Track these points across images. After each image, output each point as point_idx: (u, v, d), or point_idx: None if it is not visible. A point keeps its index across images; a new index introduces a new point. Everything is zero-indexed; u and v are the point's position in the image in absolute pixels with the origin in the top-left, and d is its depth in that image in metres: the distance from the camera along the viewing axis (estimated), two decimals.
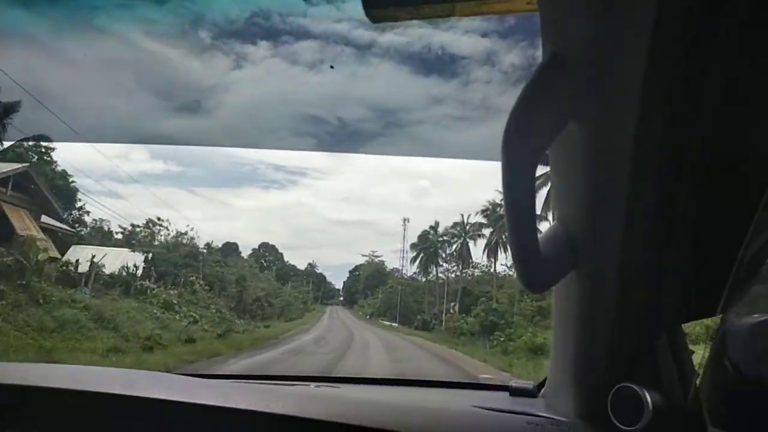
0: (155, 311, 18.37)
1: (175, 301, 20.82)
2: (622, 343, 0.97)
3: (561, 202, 0.97)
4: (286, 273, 49.55)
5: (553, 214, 1.00)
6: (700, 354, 0.94)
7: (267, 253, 49.67)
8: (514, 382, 1.50)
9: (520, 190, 0.83)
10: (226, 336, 18.40)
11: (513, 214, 0.84)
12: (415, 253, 40.58)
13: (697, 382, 0.93)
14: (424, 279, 39.68)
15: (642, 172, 0.81)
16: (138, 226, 28.26)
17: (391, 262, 53.04)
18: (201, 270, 27.25)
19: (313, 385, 1.61)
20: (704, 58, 0.74)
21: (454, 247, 37.25)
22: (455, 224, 36.65)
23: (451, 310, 25.35)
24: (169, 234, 29.30)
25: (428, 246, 38.80)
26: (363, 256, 54.37)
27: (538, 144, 0.84)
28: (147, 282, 21.90)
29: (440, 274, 38.11)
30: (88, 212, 25.60)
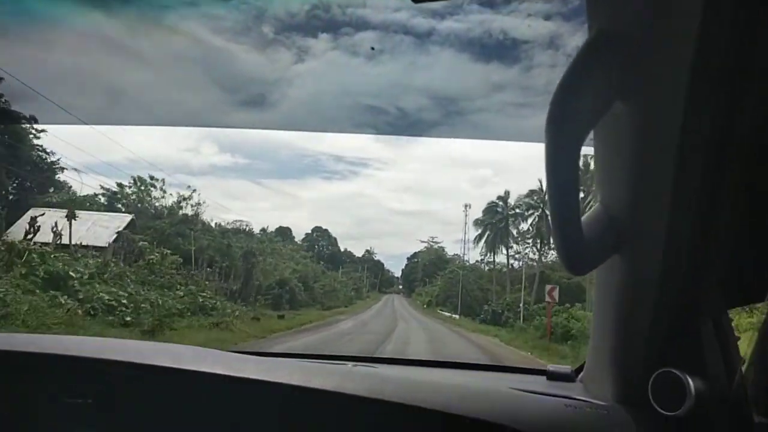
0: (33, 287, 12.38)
1: (82, 275, 14.03)
2: (664, 327, 0.96)
3: (604, 183, 0.96)
4: (339, 258, 48.64)
5: (595, 196, 0.99)
6: (747, 341, 0.91)
7: (320, 237, 48.69)
8: (552, 366, 1.49)
9: (564, 170, 0.82)
10: (160, 332, 13.00)
11: (556, 195, 0.83)
12: (479, 231, 35.50)
13: (743, 370, 0.90)
14: (490, 262, 35.10)
15: (689, 154, 0.79)
16: (125, 186, 23.54)
17: (452, 250, 50.98)
18: (194, 242, 21.53)
19: (350, 364, 1.64)
20: (757, 42, 0.72)
21: (529, 221, 31.90)
22: (531, 192, 31.36)
23: (548, 298, 18.76)
24: (163, 197, 24.39)
25: (497, 221, 33.58)
26: (422, 242, 52.47)
27: (583, 123, 0.83)
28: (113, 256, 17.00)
29: (511, 258, 33.60)
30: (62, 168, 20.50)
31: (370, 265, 57.17)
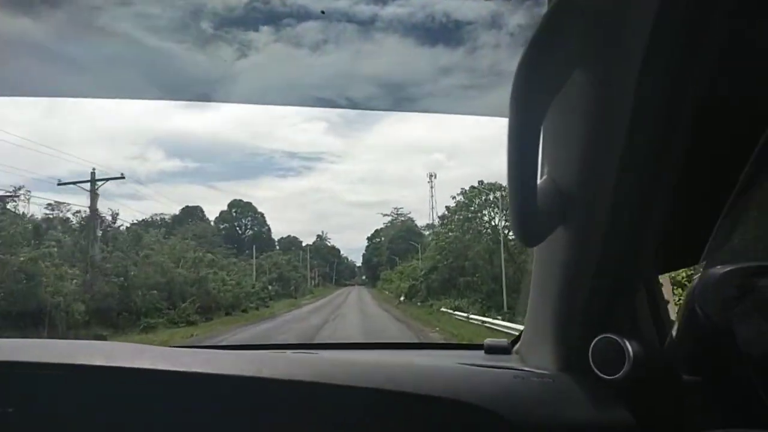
0: None
1: None
2: (603, 295, 1.01)
3: (553, 154, 0.99)
4: (264, 241, 39.89)
5: (542, 167, 1.01)
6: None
7: (240, 214, 41.59)
8: (489, 340, 1.51)
9: (527, 142, 0.83)
10: None
11: (517, 167, 0.84)
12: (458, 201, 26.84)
13: (673, 332, 0.96)
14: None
15: (636, 124, 0.82)
16: None
17: (422, 221, 43.61)
18: None
19: (289, 352, 1.58)
20: (712, 12, 0.75)
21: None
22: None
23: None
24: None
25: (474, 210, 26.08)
26: (384, 215, 43.85)
27: (545, 93, 0.83)
28: None
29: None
30: None
31: (324, 252, 49.04)
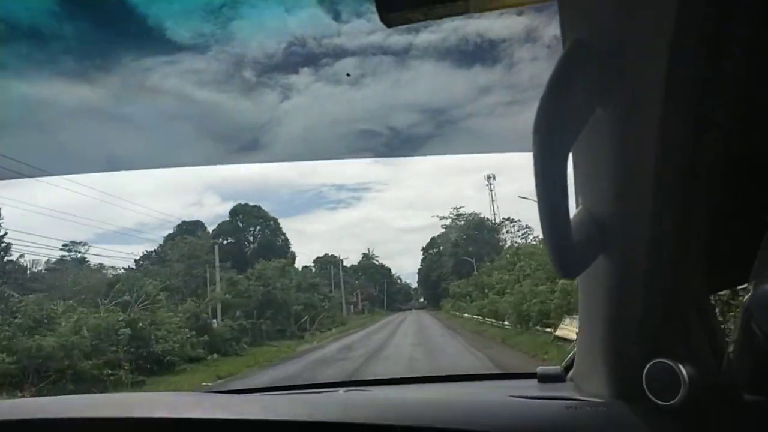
0: None
1: None
2: (652, 319, 1.00)
3: (586, 187, 1.00)
4: (276, 247, 31.70)
5: (576, 200, 1.02)
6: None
7: (243, 221, 33.11)
8: (541, 368, 1.50)
9: (554, 178, 0.84)
10: None
11: (547, 203, 0.85)
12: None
13: (730, 352, 0.94)
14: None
15: (668, 153, 0.83)
16: None
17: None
18: None
19: (342, 390, 1.60)
20: (729, 47, 0.77)
21: None
22: None
23: None
24: None
25: None
26: (440, 218, 34.65)
27: (569, 132, 0.86)
28: None
29: None
30: None
31: (371, 272, 41.47)
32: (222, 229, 33.21)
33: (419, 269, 41.78)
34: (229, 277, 23.87)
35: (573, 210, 1.00)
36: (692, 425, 0.96)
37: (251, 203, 34.93)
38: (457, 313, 27.74)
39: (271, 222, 35.46)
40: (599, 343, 1.11)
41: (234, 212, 34.58)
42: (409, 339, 19.36)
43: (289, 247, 35.06)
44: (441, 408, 1.15)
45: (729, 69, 0.78)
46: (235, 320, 20.92)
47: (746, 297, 0.89)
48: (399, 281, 47.06)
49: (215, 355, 18.32)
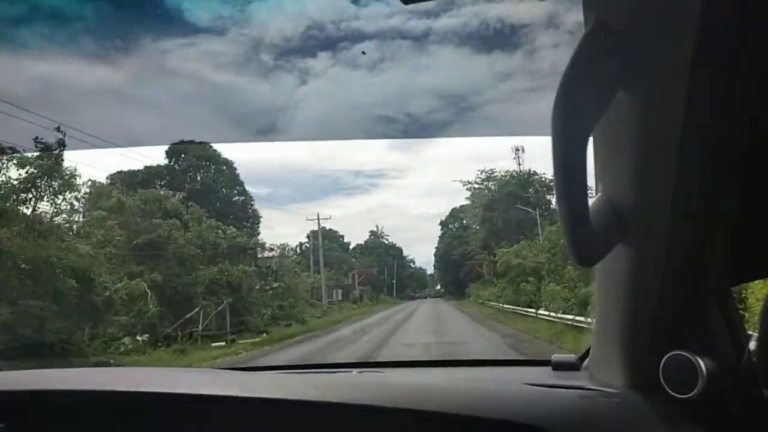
0: None
1: None
2: (671, 310, 0.98)
3: (607, 173, 0.98)
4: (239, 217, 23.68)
5: (596, 186, 1.00)
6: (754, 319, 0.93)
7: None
8: (556, 356, 1.50)
9: (573, 163, 0.82)
10: None
11: (565, 188, 0.84)
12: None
13: (751, 346, 0.92)
14: None
15: (691, 140, 0.81)
16: None
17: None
18: None
19: (355, 371, 1.62)
20: (757, 31, 0.74)
21: None
22: None
23: None
24: None
25: None
26: (463, 183, 27.74)
27: (588, 116, 0.84)
28: None
29: None
30: None
31: (380, 252, 34.88)
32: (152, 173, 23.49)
33: (436, 248, 34.51)
34: None
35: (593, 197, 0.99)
36: (709, 419, 0.95)
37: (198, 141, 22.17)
38: (491, 302, 20.51)
39: (224, 167, 25.32)
40: (616, 333, 1.10)
41: (171, 153, 24.13)
42: (425, 345, 13.62)
43: (251, 207, 26.23)
44: (454, 393, 1.15)
45: (755, 54, 0.75)
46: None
47: None
48: (413, 265, 42.00)
49: None
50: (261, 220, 26.40)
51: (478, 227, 27.63)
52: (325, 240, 29.49)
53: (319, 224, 28.11)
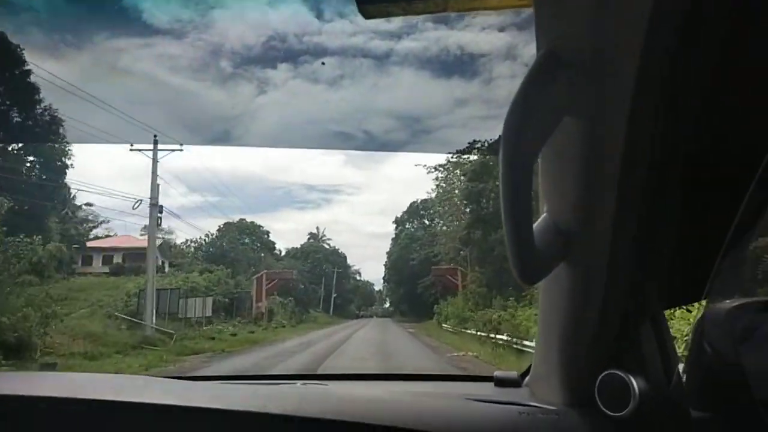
0: None
1: None
2: (607, 330, 1.01)
3: (551, 194, 1.01)
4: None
5: (540, 206, 1.03)
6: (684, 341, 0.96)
7: None
8: (498, 372, 1.51)
9: (519, 184, 0.85)
10: None
11: (511, 207, 0.85)
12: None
13: (680, 368, 0.96)
14: None
15: (632, 166, 0.84)
16: None
17: None
18: None
19: (299, 383, 1.60)
20: (697, 57, 0.78)
21: None
22: None
23: None
24: None
25: None
26: (428, 169, 24.01)
27: (536, 139, 0.86)
28: None
29: None
30: None
31: (318, 259, 29.02)
32: None
33: (387, 253, 28.74)
34: None
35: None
36: None
37: None
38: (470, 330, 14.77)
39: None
40: (555, 351, 1.12)
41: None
42: None
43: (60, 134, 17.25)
44: (396, 407, 1.15)
45: (697, 82, 0.80)
46: None
47: (699, 314, 0.91)
48: (358, 277, 37.40)
49: None
50: None
51: (446, 228, 22.54)
52: (241, 234, 21.39)
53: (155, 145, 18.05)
